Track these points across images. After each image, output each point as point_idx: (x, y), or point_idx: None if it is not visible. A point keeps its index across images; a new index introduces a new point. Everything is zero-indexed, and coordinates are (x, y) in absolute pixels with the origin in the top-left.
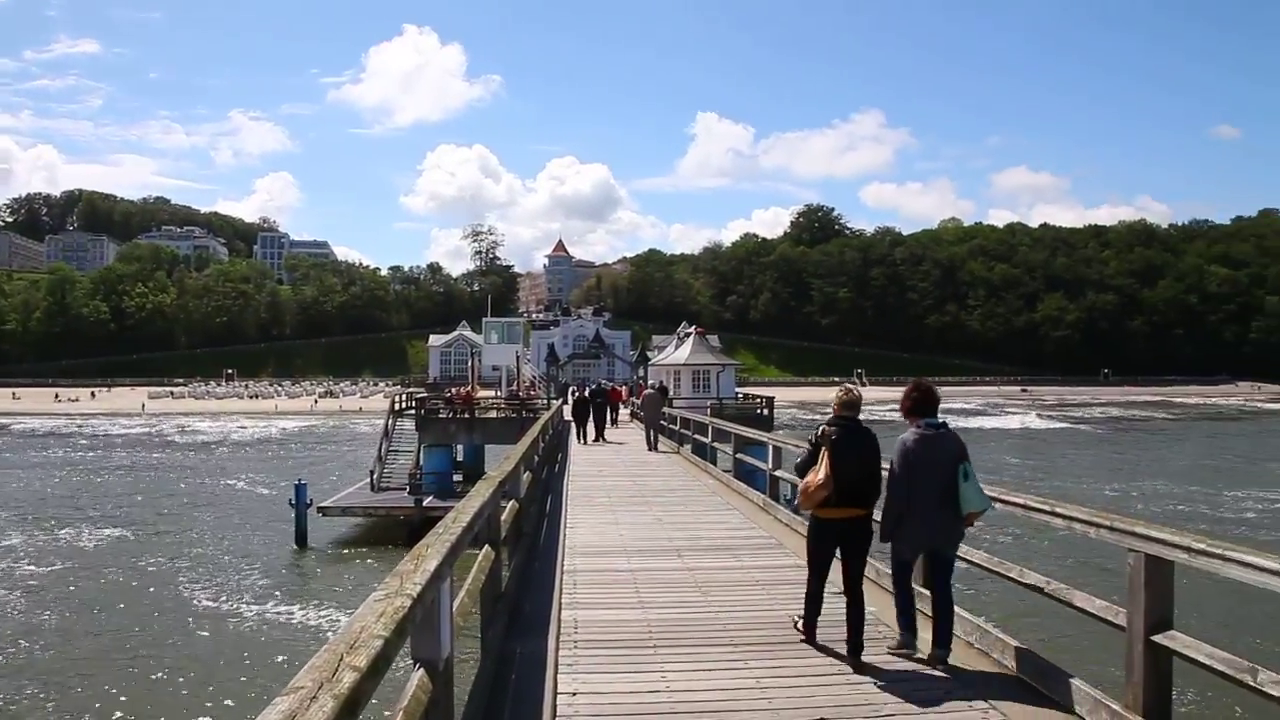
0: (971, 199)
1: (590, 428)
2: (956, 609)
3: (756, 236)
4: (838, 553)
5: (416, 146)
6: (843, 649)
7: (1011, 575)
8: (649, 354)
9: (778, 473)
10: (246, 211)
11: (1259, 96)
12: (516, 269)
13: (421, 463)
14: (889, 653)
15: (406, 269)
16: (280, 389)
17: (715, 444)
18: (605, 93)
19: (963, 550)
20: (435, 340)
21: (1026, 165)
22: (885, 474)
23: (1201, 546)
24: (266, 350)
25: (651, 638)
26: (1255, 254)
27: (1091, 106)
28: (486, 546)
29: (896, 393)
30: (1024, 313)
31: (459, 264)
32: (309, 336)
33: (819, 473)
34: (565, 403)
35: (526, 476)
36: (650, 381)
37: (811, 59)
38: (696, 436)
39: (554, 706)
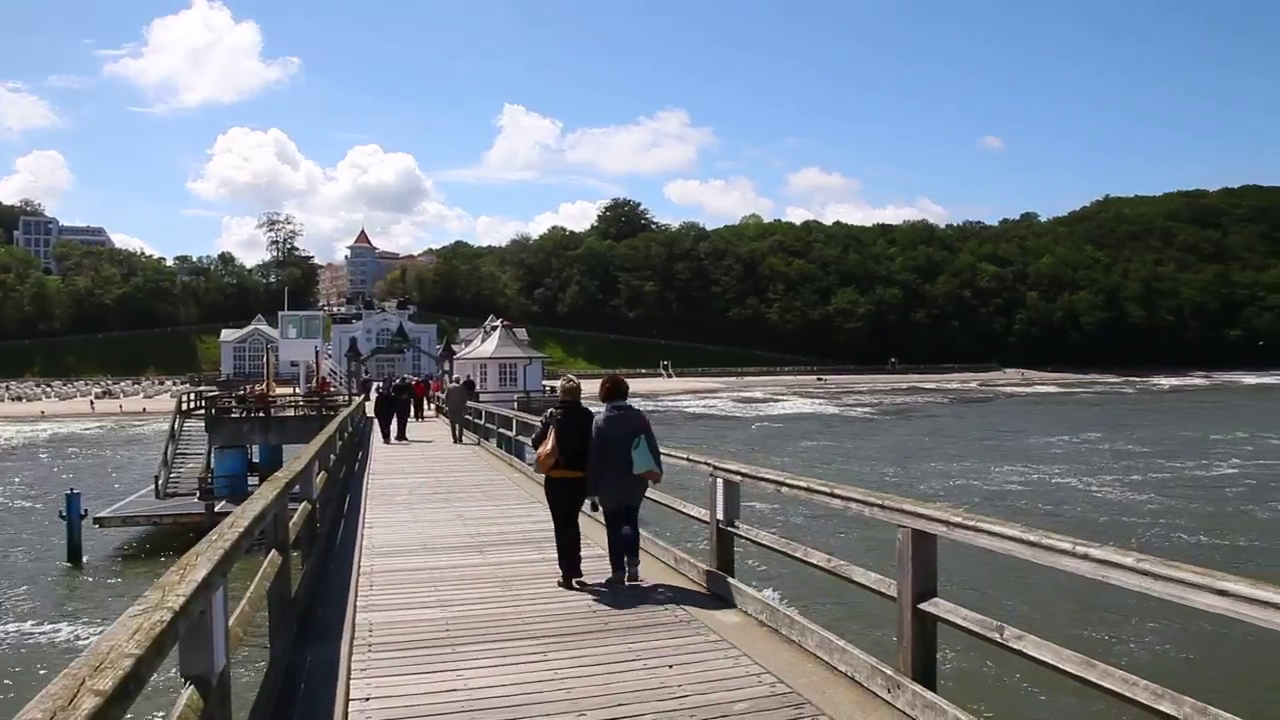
0: (770, 197)
1: (393, 425)
2: (664, 544)
3: (564, 230)
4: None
5: (206, 129)
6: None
7: (797, 555)
8: (455, 347)
9: None
10: (5, 193)
11: (1020, 112)
12: (316, 260)
13: (213, 466)
14: (605, 584)
15: (195, 259)
16: (49, 390)
17: (520, 437)
18: (410, 81)
19: (754, 534)
20: (228, 335)
21: (820, 167)
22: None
23: (958, 520)
24: (32, 347)
25: (450, 636)
26: (1018, 253)
27: (876, 114)
28: (274, 551)
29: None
30: (819, 306)
31: (254, 254)
32: (83, 332)
33: (548, 444)
34: (367, 399)
35: (321, 476)
36: (456, 375)
37: (618, 56)
38: (501, 430)
39: (345, 714)
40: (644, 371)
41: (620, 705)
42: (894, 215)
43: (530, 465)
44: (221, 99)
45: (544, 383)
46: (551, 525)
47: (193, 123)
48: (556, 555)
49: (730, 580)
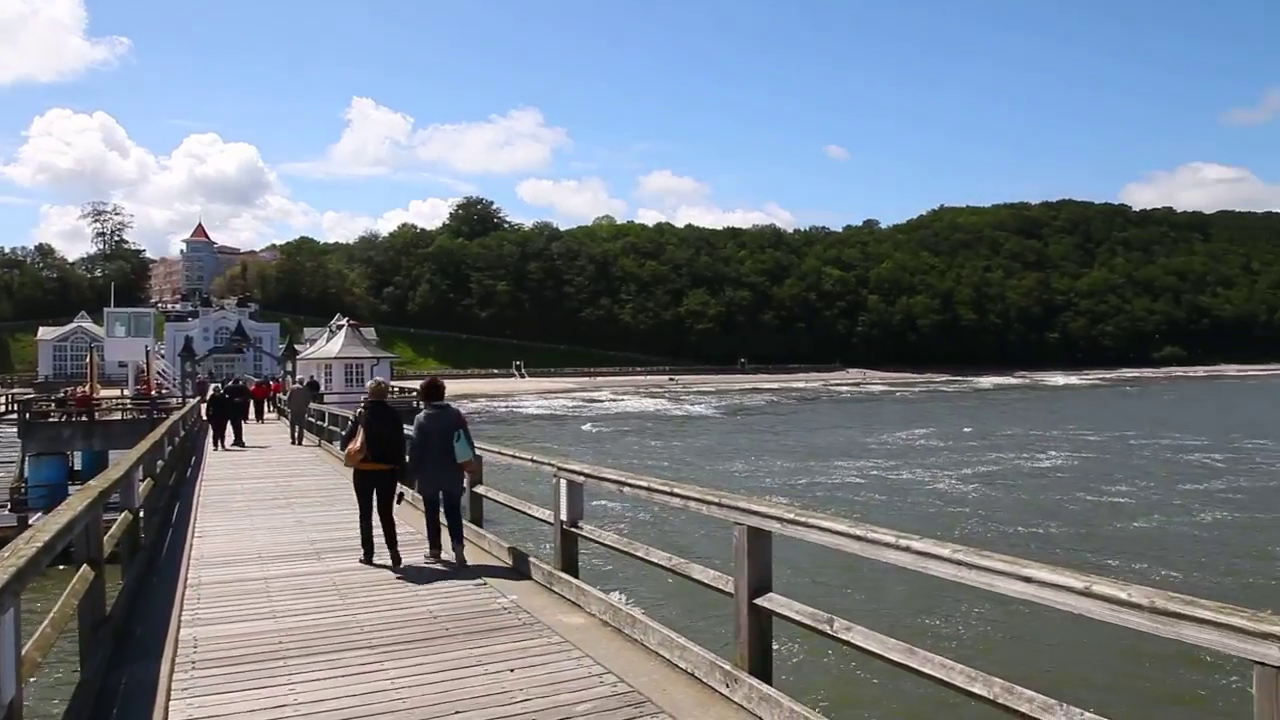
0: (623, 199)
1: (229, 429)
2: (510, 545)
3: (415, 227)
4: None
5: (20, 109)
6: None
7: (639, 554)
8: (298, 347)
9: None
10: None
11: (862, 124)
12: (148, 254)
13: (27, 474)
14: (424, 559)
15: (8, 250)
16: None
17: None
18: (253, 68)
19: (597, 534)
20: (46, 334)
21: (671, 170)
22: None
23: (790, 516)
24: None
25: (283, 649)
26: (861, 258)
27: (726, 121)
28: (85, 566)
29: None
30: (671, 307)
31: (77, 246)
32: None
33: (357, 440)
34: (203, 401)
35: (146, 483)
36: (299, 376)
37: (471, 52)
38: (345, 433)
39: None
40: (496, 372)
41: (458, 713)
42: (743, 219)
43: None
44: (38, 77)
45: (393, 384)
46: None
47: (3, 102)
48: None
49: (574, 581)
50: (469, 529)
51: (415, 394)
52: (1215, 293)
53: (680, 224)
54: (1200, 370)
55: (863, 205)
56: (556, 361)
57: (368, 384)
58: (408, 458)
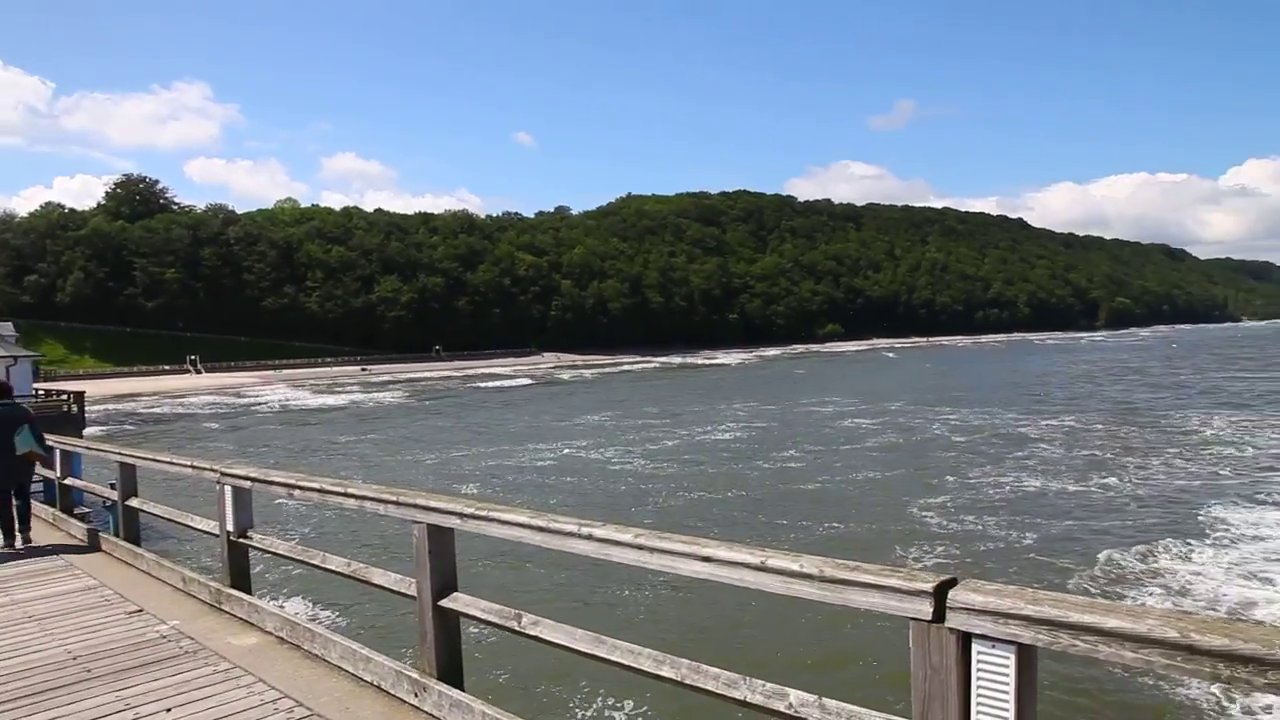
0: (305, 181)
1: None
2: (171, 564)
3: (62, 207)
4: None
5: None
6: None
7: (315, 562)
8: None
9: (70, 481)
10: None
11: (548, 112)
12: None
13: None
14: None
15: None
16: None
17: None
18: None
19: (269, 543)
20: None
21: (357, 153)
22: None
23: (471, 511)
24: None
25: None
26: (553, 244)
27: (411, 105)
28: None
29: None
30: (361, 294)
31: None
32: None
33: None
34: None
35: None
36: None
37: (125, 11)
38: None
39: None
40: (168, 368)
41: None
42: (433, 204)
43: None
44: None
45: (36, 386)
46: (26, 561)
47: None
48: None
49: (246, 598)
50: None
51: (67, 398)
52: (867, 276)
53: (369, 208)
54: (856, 344)
55: (553, 192)
56: (237, 354)
57: None
58: None
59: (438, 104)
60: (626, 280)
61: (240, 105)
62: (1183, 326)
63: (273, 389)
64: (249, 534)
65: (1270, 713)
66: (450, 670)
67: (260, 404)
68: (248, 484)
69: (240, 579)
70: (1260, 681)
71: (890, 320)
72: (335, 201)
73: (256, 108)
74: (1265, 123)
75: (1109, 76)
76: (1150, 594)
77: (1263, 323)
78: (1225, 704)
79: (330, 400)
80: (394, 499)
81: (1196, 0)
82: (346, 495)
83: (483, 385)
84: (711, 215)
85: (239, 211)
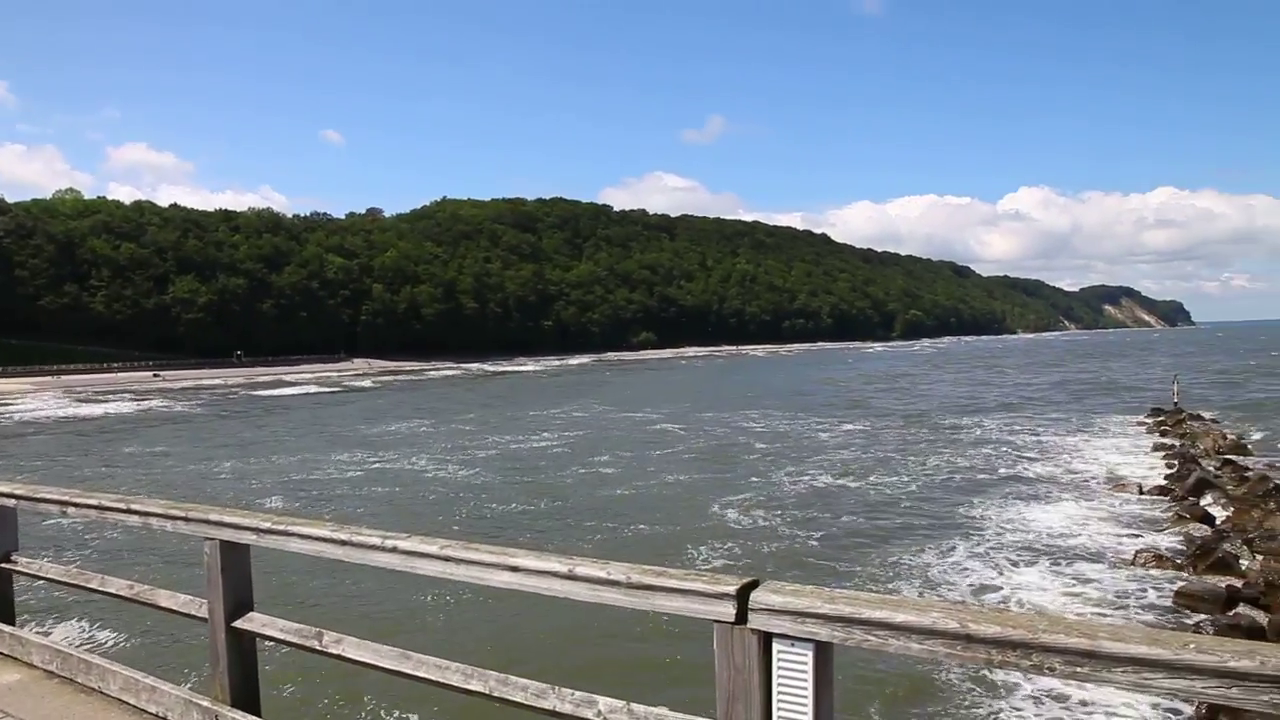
0: (89, 171)
1: None
2: None
3: None
4: None
5: None
6: None
7: (93, 586)
8: None
9: None
10: None
11: (359, 106)
12: None
13: None
14: None
15: None
16: None
17: None
18: None
19: (37, 567)
20: None
21: (149, 143)
22: None
23: (269, 525)
24: None
25: None
26: (364, 246)
27: (211, 96)
28: None
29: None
30: (155, 295)
31: None
32: None
33: None
34: None
35: None
36: None
37: None
38: None
39: None
40: None
41: None
42: (235, 201)
43: None
44: None
45: None
46: None
47: None
48: None
49: (8, 630)
50: None
51: None
52: (680, 285)
53: (163, 203)
54: (668, 352)
55: (365, 194)
56: (11, 358)
57: None
58: None
59: (239, 99)
60: (440, 285)
61: (10, 84)
62: (967, 338)
63: (37, 395)
64: (12, 557)
65: (1035, 690)
66: (246, 697)
67: (13, 412)
68: (11, 502)
69: (2, 609)
70: (1026, 664)
71: (702, 329)
72: (124, 194)
73: (31, 88)
74: (1035, 154)
75: (900, 100)
76: (914, 586)
77: (1033, 335)
78: (996, 684)
79: (109, 410)
80: (183, 515)
81: (978, 41)
82: (129, 511)
83: (263, 394)
84: (528, 222)
85: (9, 200)
